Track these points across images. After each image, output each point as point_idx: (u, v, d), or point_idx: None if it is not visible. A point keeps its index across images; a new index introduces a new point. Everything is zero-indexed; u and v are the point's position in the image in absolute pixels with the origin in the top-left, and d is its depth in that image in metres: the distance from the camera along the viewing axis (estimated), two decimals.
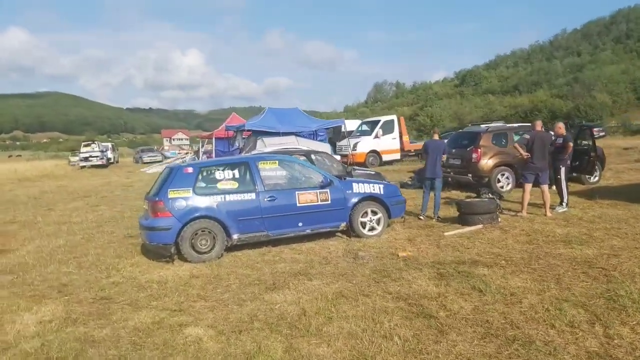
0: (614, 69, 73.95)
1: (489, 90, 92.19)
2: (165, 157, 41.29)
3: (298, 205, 7.63)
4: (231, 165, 7.61)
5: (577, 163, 12.16)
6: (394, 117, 22.39)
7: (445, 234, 7.98)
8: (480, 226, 8.25)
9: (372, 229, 8.11)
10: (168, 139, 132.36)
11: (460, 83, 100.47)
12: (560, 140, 9.43)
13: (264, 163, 7.74)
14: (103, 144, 39.82)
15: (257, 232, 7.47)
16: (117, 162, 41.84)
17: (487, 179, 11.86)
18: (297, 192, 7.68)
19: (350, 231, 8.02)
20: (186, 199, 7.16)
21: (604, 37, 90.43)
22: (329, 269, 6.41)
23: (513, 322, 4.38)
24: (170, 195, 7.13)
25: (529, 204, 9.30)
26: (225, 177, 7.46)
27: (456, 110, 76.55)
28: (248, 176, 7.56)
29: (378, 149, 21.03)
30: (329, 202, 7.81)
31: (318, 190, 7.79)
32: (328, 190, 7.84)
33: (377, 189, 8.23)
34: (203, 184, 7.37)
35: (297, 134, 20.24)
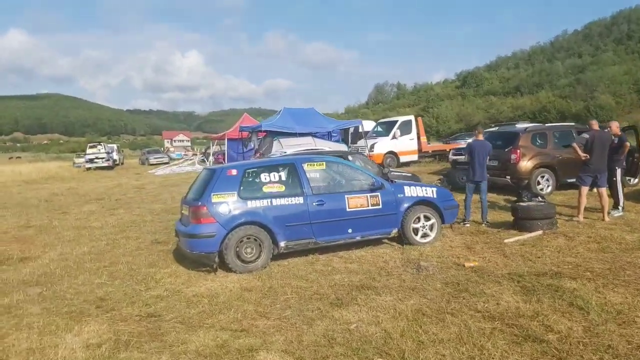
0: (616, 70, 73.34)
1: (490, 92, 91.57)
2: (172, 159, 40.60)
3: (348, 210, 7.01)
4: (276, 167, 6.98)
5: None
6: (411, 117, 21.76)
7: (506, 241, 7.36)
8: (540, 232, 7.64)
9: (424, 235, 7.49)
10: (169, 140, 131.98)
11: (462, 84, 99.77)
12: (616, 140, 8.83)
13: (310, 164, 7.11)
14: (109, 145, 39.11)
15: (305, 239, 6.84)
16: (122, 163, 41.15)
17: (526, 181, 11.25)
18: (346, 196, 7.06)
19: (403, 238, 7.39)
20: (231, 203, 6.53)
21: (605, 38, 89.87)
22: (394, 281, 5.79)
23: None
24: (214, 199, 6.50)
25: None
26: (271, 180, 6.83)
27: (458, 111, 75.98)
28: (295, 179, 6.94)
29: (395, 150, 20.39)
30: (380, 206, 7.19)
31: (368, 194, 7.17)
32: (379, 193, 7.22)
33: (430, 192, 7.61)
34: (248, 187, 6.75)
35: (313, 135, 19.66)
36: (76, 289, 6.25)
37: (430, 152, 22.06)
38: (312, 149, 13.15)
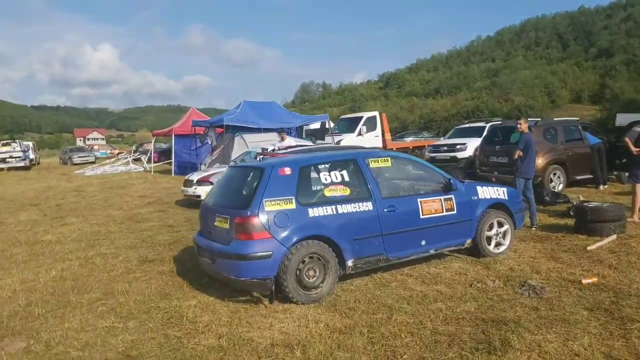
0: (528, 74, 77.63)
1: (412, 93, 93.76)
2: (97, 158, 36.76)
3: (422, 217, 5.58)
4: (336, 164, 5.40)
5: (625, 160, 11.13)
6: (376, 113, 20.69)
7: (589, 248, 6.28)
8: (614, 236, 6.66)
9: (498, 244, 6.24)
10: (82, 138, 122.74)
11: (385, 85, 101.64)
12: None
13: (374, 160, 5.60)
14: (24, 143, 34.53)
15: (375, 255, 5.32)
16: (39, 163, 36.66)
17: (540, 179, 10.42)
18: (419, 200, 5.62)
19: (481, 250, 6.08)
20: (289, 212, 4.87)
21: (516, 44, 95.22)
22: (524, 310, 4.44)
23: None
24: (267, 207, 4.80)
25: None
26: (333, 180, 5.24)
27: (382, 112, 76.89)
28: (360, 179, 5.40)
29: None
30: (455, 211, 5.83)
31: (442, 197, 5.79)
32: (453, 195, 5.86)
33: (501, 193, 6.36)
34: (307, 191, 5.12)
35: (278, 131, 17.99)
36: (79, 339, 4.31)
37: (394, 149, 21.15)
38: (302, 145, 11.55)
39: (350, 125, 20.17)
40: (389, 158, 5.73)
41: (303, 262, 4.88)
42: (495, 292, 4.95)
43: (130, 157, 29.25)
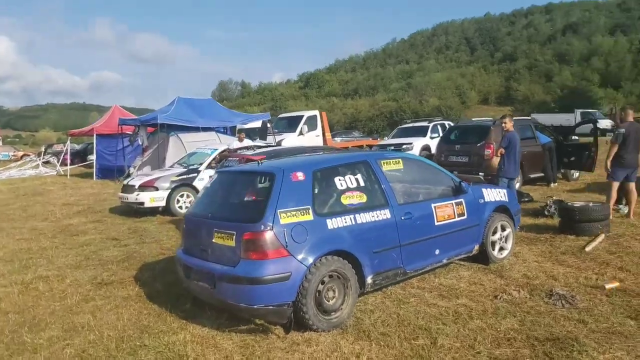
0: (440, 76, 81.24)
1: (331, 93, 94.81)
2: None
3: (436, 224, 5.11)
4: (349, 167, 4.77)
5: (574, 158, 11.50)
6: (316, 112, 20.12)
7: (587, 249, 6.15)
8: (603, 236, 6.62)
9: (501, 249, 5.93)
10: None
11: (304, 85, 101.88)
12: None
13: (387, 163, 5.03)
14: None
15: (393, 268, 4.75)
16: None
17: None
18: (433, 205, 5.14)
19: (490, 256, 5.72)
20: (306, 225, 4.16)
21: (428, 47, 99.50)
22: (571, 325, 4.09)
23: None
24: (283, 219, 4.06)
25: None
26: (348, 186, 4.60)
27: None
28: (374, 183, 4.81)
29: None
30: (465, 216, 5.42)
31: (454, 201, 5.35)
32: (462, 199, 5.45)
33: (503, 195, 6.06)
34: (323, 199, 4.44)
35: (217, 130, 16.93)
36: None
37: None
38: (259, 146, 10.73)
39: (289, 125, 19.47)
40: (400, 160, 5.19)
41: (322, 282, 4.20)
42: (525, 303, 4.57)
43: (40, 159, 26.44)
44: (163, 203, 10.22)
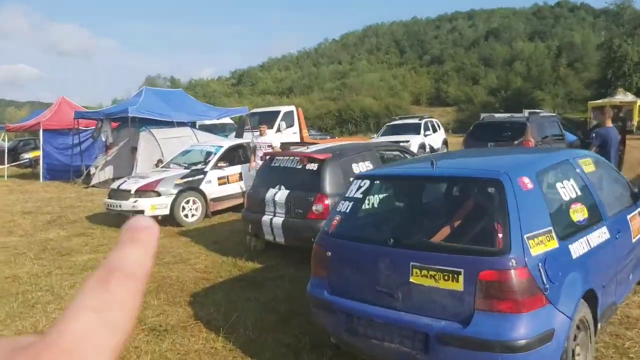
0: (373, 77, 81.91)
1: (265, 91, 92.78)
2: None
3: (632, 240, 3.94)
4: (558, 169, 3.47)
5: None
6: (293, 108, 18.49)
7: None
8: None
9: None
10: None
11: (237, 82, 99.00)
12: None
13: (585, 163, 3.78)
14: None
15: (610, 305, 3.52)
16: None
17: None
18: (627, 217, 3.96)
19: None
20: (554, 255, 2.80)
21: (360, 48, 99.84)
22: None
23: None
24: (534, 249, 2.68)
25: None
26: (571, 196, 3.30)
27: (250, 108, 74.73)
28: (586, 191, 3.53)
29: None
30: None
31: (638, 210, 4.21)
32: None
33: None
34: (556, 215, 3.09)
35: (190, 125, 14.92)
36: None
37: None
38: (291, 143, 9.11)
39: (264, 121, 17.71)
40: (590, 159, 3.95)
41: (574, 338, 2.86)
42: None
43: None
44: (166, 211, 8.35)
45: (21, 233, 8.44)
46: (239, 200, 9.65)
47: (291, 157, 6.26)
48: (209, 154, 9.57)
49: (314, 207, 5.67)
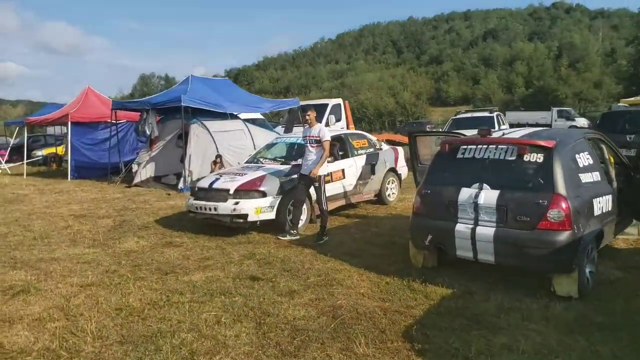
0: (372, 76, 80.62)
1: (262, 90, 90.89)
2: None
3: None
4: None
5: None
6: (340, 100, 16.85)
7: None
8: None
9: None
10: None
11: (234, 81, 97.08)
12: None
13: None
14: None
15: None
16: None
17: None
18: None
19: None
20: None
21: (356, 47, 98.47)
22: None
23: None
24: None
25: None
26: None
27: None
28: None
29: None
30: None
31: None
32: None
33: None
34: None
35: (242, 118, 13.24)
36: None
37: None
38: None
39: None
40: None
41: None
42: None
43: None
44: (272, 215, 6.69)
45: (89, 243, 6.70)
46: (342, 202, 8.06)
47: (495, 145, 4.65)
48: (288, 144, 7.97)
49: (549, 214, 4.10)
